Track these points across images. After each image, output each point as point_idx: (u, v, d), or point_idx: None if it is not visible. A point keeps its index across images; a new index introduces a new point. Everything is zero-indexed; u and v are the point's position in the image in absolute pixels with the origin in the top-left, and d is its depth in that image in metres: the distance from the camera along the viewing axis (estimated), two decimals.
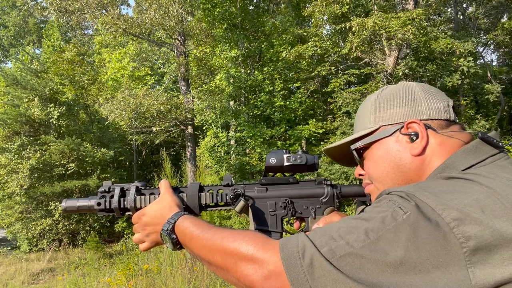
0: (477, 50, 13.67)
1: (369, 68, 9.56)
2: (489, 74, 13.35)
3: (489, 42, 16.37)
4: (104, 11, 12.12)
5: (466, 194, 0.59)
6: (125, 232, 11.71)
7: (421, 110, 0.78)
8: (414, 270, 0.55)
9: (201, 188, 1.05)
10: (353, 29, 8.64)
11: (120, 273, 5.56)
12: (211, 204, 1.04)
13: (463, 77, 9.77)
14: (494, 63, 18.10)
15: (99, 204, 1.01)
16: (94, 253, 9.44)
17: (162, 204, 0.95)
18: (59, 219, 11.16)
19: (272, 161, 1.01)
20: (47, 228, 11.08)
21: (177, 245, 0.87)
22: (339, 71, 10.61)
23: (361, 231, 0.60)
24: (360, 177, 0.89)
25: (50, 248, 10.78)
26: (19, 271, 8.66)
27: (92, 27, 20.31)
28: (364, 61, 9.95)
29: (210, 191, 1.05)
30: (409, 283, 0.55)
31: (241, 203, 0.96)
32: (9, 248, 11.79)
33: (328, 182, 1.05)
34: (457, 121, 0.80)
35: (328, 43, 9.91)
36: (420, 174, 0.76)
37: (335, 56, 10.12)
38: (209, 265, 0.78)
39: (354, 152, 0.85)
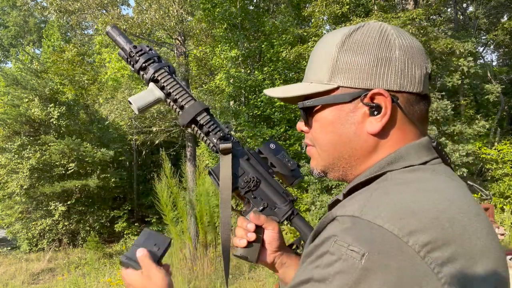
0: (477, 50, 13.67)
1: None
2: (489, 74, 13.34)
3: (489, 42, 16.38)
4: (104, 11, 12.12)
5: (429, 205, 0.52)
6: (125, 232, 11.71)
7: (392, 77, 0.62)
8: None
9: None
10: None
11: (120, 273, 5.56)
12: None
13: (463, 77, 9.78)
14: (494, 63, 18.10)
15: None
16: (94, 253, 9.44)
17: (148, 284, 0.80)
18: (59, 219, 11.16)
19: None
20: (47, 228, 11.08)
21: None
22: None
23: None
24: (302, 132, 0.75)
25: (50, 248, 10.78)
26: (19, 271, 8.66)
27: (92, 27, 20.32)
28: None
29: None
30: None
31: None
32: (9, 248, 11.79)
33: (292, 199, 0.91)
34: (428, 94, 0.66)
35: None
36: (371, 155, 0.65)
37: None
38: None
39: (301, 110, 0.70)
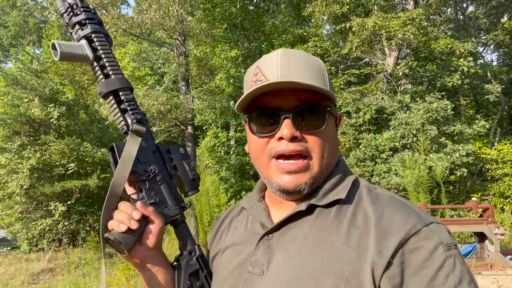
0: (477, 50, 13.67)
1: (369, 68, 9.56)
2: (489, 74, 13.35)
3: (489, 42, 16.38)
4: (104, 11, 12.11)
5: None
6: None
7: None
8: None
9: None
10: (353, 29, 8.64)
11: (120, 273, 5.57)
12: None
13: (463, 77, 9.78)
14: (494, 63, 18.11)
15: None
16: (94, 253, 9.44)
17: None
18: (59, 219, 11.16)
19: None
20: (47, 228, 11.07)
21: None
22: (339, 71, 10.61)
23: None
24: (293, 140, 0.68)
25: (50, 248, 10.77)
26: (19, 271, 8.66)
27: None
28: (364, 61, 9.96)
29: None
30: None
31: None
32: (9, 248, 11.79)
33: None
34: None
35: (328, 43, 9.92)
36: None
37: (335, 56, 10.13)
38: None
39: (326, 114, 0.69)
